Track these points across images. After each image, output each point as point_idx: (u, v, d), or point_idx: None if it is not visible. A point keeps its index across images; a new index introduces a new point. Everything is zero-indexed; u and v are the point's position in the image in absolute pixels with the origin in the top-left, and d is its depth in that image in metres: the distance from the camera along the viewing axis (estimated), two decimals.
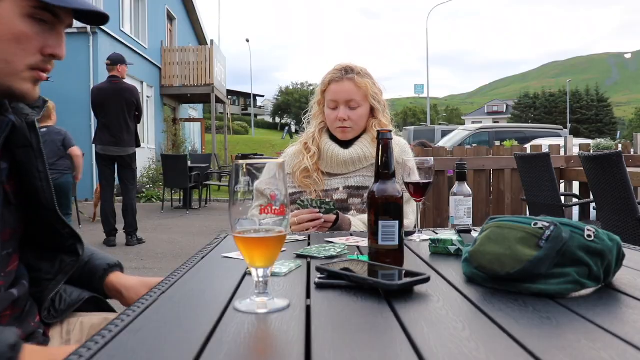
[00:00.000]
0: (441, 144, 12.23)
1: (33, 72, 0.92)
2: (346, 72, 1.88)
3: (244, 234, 0.77)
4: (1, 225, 0.98)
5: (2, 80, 0.90)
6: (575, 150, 5.44)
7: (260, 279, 0.79)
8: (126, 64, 5.93)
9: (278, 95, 67.90)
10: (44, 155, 1.03)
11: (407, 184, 1.43)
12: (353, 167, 1.90)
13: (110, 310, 1.24)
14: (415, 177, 1.43)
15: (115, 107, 5.68)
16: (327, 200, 1.74)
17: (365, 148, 1.90)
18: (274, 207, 0.77)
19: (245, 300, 0.80)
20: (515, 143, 9.41)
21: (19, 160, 1.01)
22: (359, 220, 1.79)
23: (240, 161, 0.77)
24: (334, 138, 1.94)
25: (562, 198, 4.18)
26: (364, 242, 1.38)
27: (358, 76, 1.87)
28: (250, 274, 1.02)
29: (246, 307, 0.77)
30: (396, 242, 1.06)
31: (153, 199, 11.13)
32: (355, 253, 1.25)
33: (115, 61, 5.80)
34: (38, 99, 1.05)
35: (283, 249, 1.28)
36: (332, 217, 1.70)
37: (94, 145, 6.09)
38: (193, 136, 20.08)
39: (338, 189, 1.88)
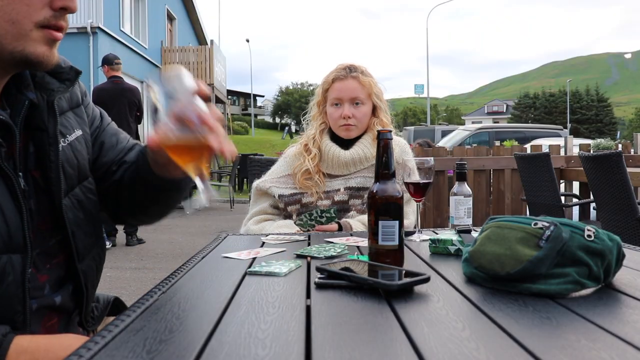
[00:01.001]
0: (441, 144, 12.24)
1: (44, 31, 0.83)
2: (350, 71, 1.90)
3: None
4: (40, 214, 0.94)
5: (13, 45, 0.81)
6: (575, 150, 5.44)
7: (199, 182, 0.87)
8: None
9: (278, 95, 67.93)
10: (58, 143, 0.95)
11: (407, 184, 1.43)
12: (354, 167, 1.90)
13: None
14: (415, 177, 1.43)
15: (117, 107, 5.68)
16: (325, 209, 1.75)
17: (366, 149, 1.90)
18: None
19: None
20: (515, 143, 9.42)
21: (36, 144, 0.94)
22: (358, 222, 1.79)
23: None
24: (334, 139, 1.94)
25: (562, 198, 4.18)
26: (364, 242, 1.38)
27: (362, 75, 1.90)
28: (250, 273, 1.02)
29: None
30: (396, 242, 1.06)
31: None
32: (355, 253, 1.25)
33: (119, 61, 5.78)
34: (69, 69, 0.98)
35: (283, 249, 1.29)
36: (335, 227, 1.72)
37: None
38: None
39: (339, 190, 1.88)
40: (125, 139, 1.18)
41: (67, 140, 1.00)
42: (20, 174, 0.91)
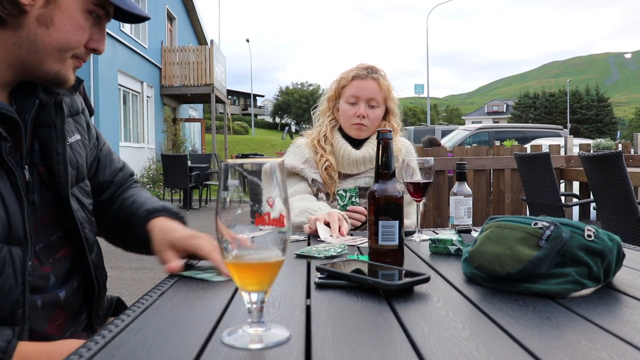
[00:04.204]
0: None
1: (76, 60, 0.98)
2: (371, 71, 1.90)
3: (235, 260, 0.64)
4: (43, 208, 0.99)
5: (52, 66, 0.94)
6: (575, 150, 5.45)
7: (254, 306, 0.65)
8: None
9: (278, 95, 67.88)
10: (65, 138, 1.04)
11: (407, 184, 1.43)
12: (364, 167, 1.90)
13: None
14: (417, 177, 1.43)
15: None
16: (348, 189, 1.77)
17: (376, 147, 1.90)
18: (272, 217, 0.63)
19: (235, 332, 0.66)
20: (515, 143, 9.41)
21: (42, 140, 1.01)
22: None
23: (230, 161, 0.63)
24: (345, 138, 1.94)
25: (562, 198, 4.18)
26: (363, 242, 1.38)
27: (382, 77, 1.90)
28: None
29: (237, 341, 0.64)
30: (396, 242, 1.06)
31: None
32: (355, 253, 1.25)
33: None
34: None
35: None
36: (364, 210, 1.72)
37: None
38: (193, 136, 20.09)
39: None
40: (118, 159, 1.28)
41: (69, 141, 1.06)
42: (26, 166, 0.96)
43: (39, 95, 0.99)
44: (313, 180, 1.85)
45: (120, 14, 1.01)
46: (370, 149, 1.90)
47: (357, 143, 1.92)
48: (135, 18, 1.03)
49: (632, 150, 6.81)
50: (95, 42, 0.98)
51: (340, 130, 1.95)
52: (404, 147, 1.92)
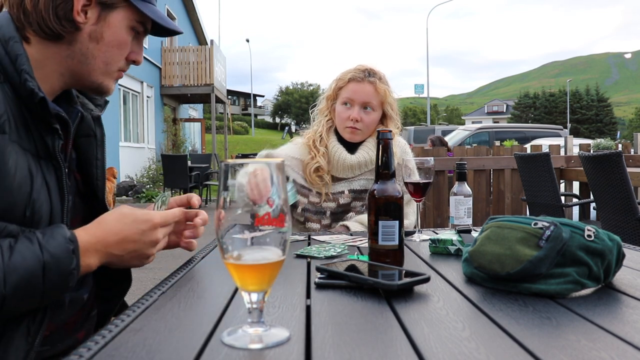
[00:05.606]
0: None
1: (118, 73, 1.07)
2: (369, 74, 1.87)
3: (236, 260, 0.64)
4: (73, 212, 1.04)
5: (97, 77, 1.03)
6: (575, 150, 5.45)
7: (254, 305, 0.66)
8: None
9: (278, 95, 67.87)
10: (104, 147, 1.13)
11: (407, 184, 1.43)
12: (359, 170, 1.89)
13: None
14: (416, 177, 1.43)
15: None
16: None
17: (371, 152, 1.89)
18: (272, 217, 0.63)
19: (235, 332, 0.67)
20: (515, 143, 9.41)
21: (81, 148, 1.09)
22: (355, 222, 1.79)
23: (230, 161, 0.63)
24: (340, 140, 1.93)
25: (562, 198, 4.18)
26: (363, 242, 1.38)
27: (379, 81, 1.87)
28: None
29: (237, 341, 0.64)
30: (396, 242, 1.06)
31: (153, 199, 11.14)
32: (355, 253, 1.25)
33: None
34: (100, 98, 1.19)
35: None
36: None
37: None
38: (193, 136, 20.08)
39: (343, 192, 1.88)
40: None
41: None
42: (66, 170, 1.01)
43: (78, 108, 1.08)
44: (293, 180, 1.86)
45: (156, 28, 1.10)
46: (365, 153, 1.89)
47: (352, 146, 1.91)
48: (168, 32, 1.11)
49: (632, 150, 6.81)
50: (135, 55, 1.08)
51: (337, 131, 1.94)
52: (398, 148, 1.90)
